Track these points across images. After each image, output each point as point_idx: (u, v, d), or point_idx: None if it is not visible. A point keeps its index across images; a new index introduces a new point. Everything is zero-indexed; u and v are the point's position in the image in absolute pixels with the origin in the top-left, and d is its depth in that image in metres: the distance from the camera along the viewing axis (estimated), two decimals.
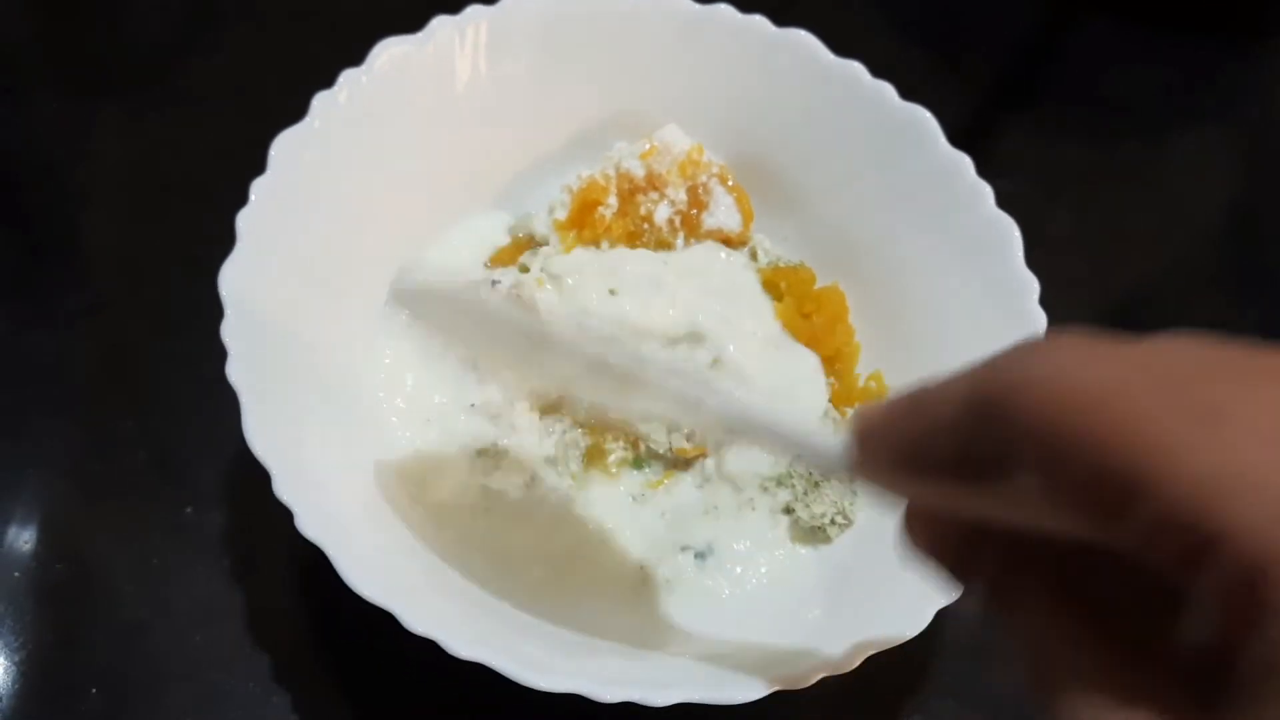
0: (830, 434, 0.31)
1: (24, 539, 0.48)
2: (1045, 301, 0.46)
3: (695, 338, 0.50)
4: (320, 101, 0.47)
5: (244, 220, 0.43)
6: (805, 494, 0.48)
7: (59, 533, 0.49)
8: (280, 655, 0.46)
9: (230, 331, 0.41)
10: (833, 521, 0.48)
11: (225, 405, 0.48)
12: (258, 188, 0.44)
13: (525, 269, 0.51)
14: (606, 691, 0.37)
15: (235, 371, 0.40)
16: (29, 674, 0.45)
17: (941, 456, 0.24)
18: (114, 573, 0.48)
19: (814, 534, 0.48)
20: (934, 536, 0.26)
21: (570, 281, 0.49)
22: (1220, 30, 0.74)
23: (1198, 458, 0.19)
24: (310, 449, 0.42)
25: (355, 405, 0.47)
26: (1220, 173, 0.69)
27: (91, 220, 0.58)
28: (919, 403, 0.24)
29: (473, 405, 0.49)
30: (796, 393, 0.51)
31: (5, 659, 0.46)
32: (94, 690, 0.45)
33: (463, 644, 0.37)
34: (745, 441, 0.35)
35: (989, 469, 0.22)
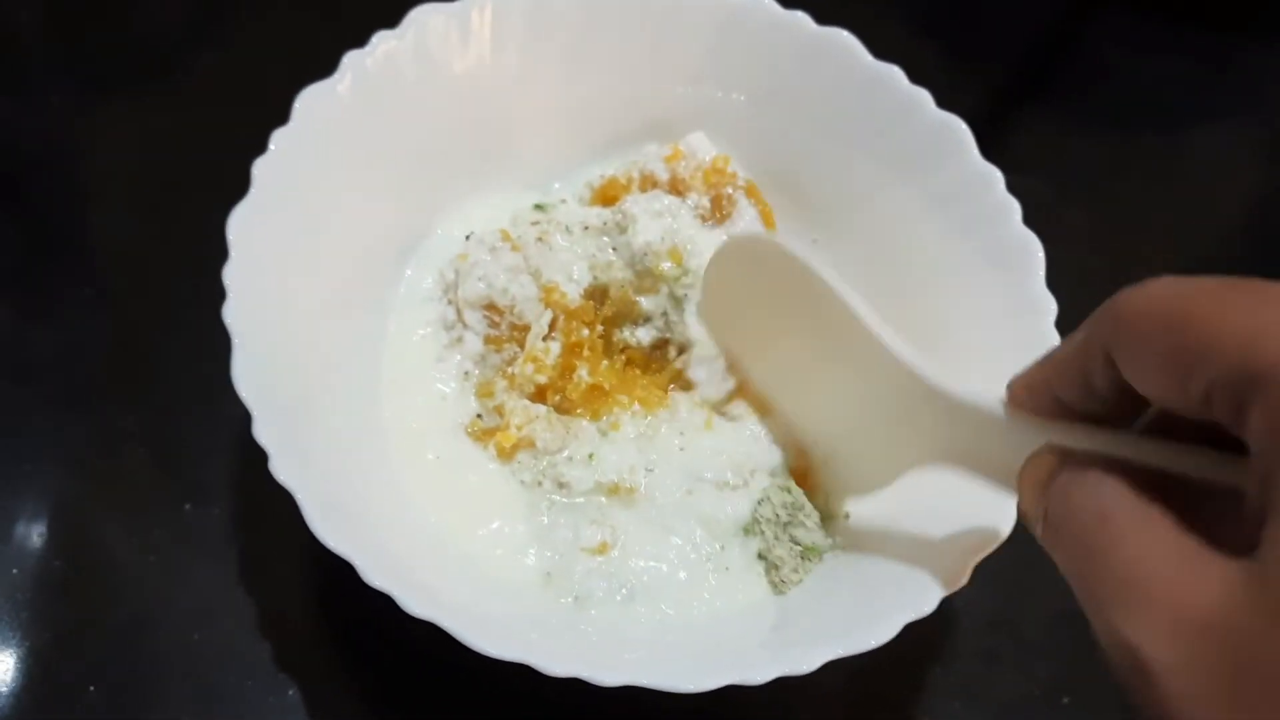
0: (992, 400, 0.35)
1: (24, 534, 0.48)
2: (1060, 295, 0.46)
3: None
4: (350, 59, 0.47)
5: (260, 168, 0.44)
6: (776, 539, 0.47)
7: (59, 528, 0.49)
8: (280, 653, 0.46)
9: (232, 274, 0.41)
10: (795, 569, 0.47)
11: (228, 401, 0.48)
12: (277, 138, 0.45)
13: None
14: (554, 665, 0.36)
15: (231, 313, 0.41)
16: (28, 671, 0.45)
17: (1073, 388, 0.30)
18: (114, 569, 0.48)
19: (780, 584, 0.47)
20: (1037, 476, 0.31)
21: None
22: (1239, 22, 0.72)
23: (1243, 322, 0.24)
24: (299, 401, 0.43)
25: (353, 364, 0.47)
26: (1240, 166, 0.67)
27: (96, 214, 0.58)
28: (1048, 353, 0.31)
29: (466, 374, 0.49)
30: None
31: (4, 655, 0.45)
32: (92, 688, 0.45)
33: (417, 603, 0.36)
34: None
35: (1110, 392, 0.29)
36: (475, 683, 0.45)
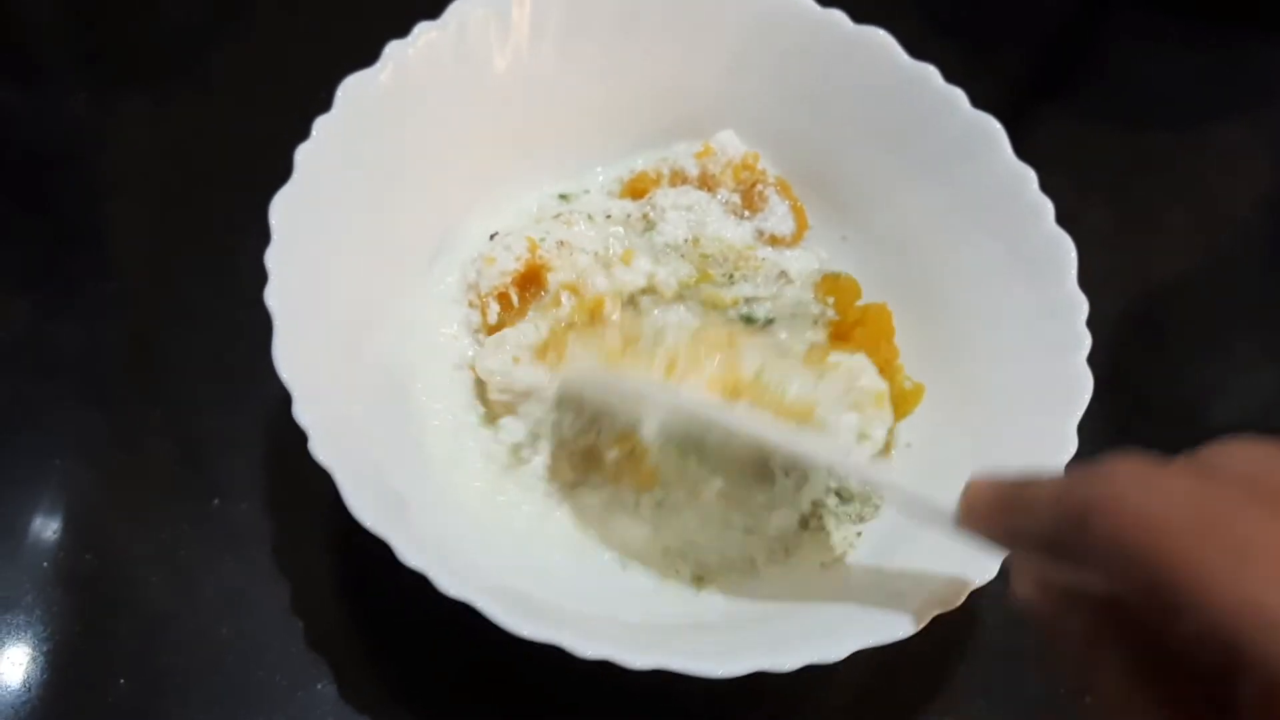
0: (942, 498, 0.35)
1: (51, 529, 0.48)
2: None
3: None
4: (392, 49, 0.48)
5: (302, 154, 0.45)
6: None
7: (86, 523, 0.49)
8: (308, 647, 0.46)
9: (274, 257, 0.42)
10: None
11: (253, 396, 0.48)
12: (320, 125, 0.45)
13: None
14: (587, 647, 0.36)
15: (273, 296, 0.41)
16: (57, 664, 0.46)
17: (1033, 544, 0.30)
18: (141, 564, 0.48)
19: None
20: (1037, 588, 0.31)
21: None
22: (1256, 19, 0.72)
23: (1227, 590, 0.23)
24: (335, 386, 0.43)
25: (391, 349, 0.48)
26: (1256, 164, 0.67)
27: (118, 210, 0.58)
28: (1016, 498, 0.30)
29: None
30: None
31: (33, 649, 0.46)
32: (121, 680, 0.45)
33: (452, 583, 0.37)
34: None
35: (1072, 562, 0.28)
36: (501, 685, 0.46)
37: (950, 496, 0.34)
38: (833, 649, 0.38)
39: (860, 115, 0.53)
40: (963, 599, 0.39)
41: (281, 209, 0.43)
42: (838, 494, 0.48)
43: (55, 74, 0.64)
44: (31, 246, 0.57)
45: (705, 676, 0.37)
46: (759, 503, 0.47)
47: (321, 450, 0.39)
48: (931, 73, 0.51)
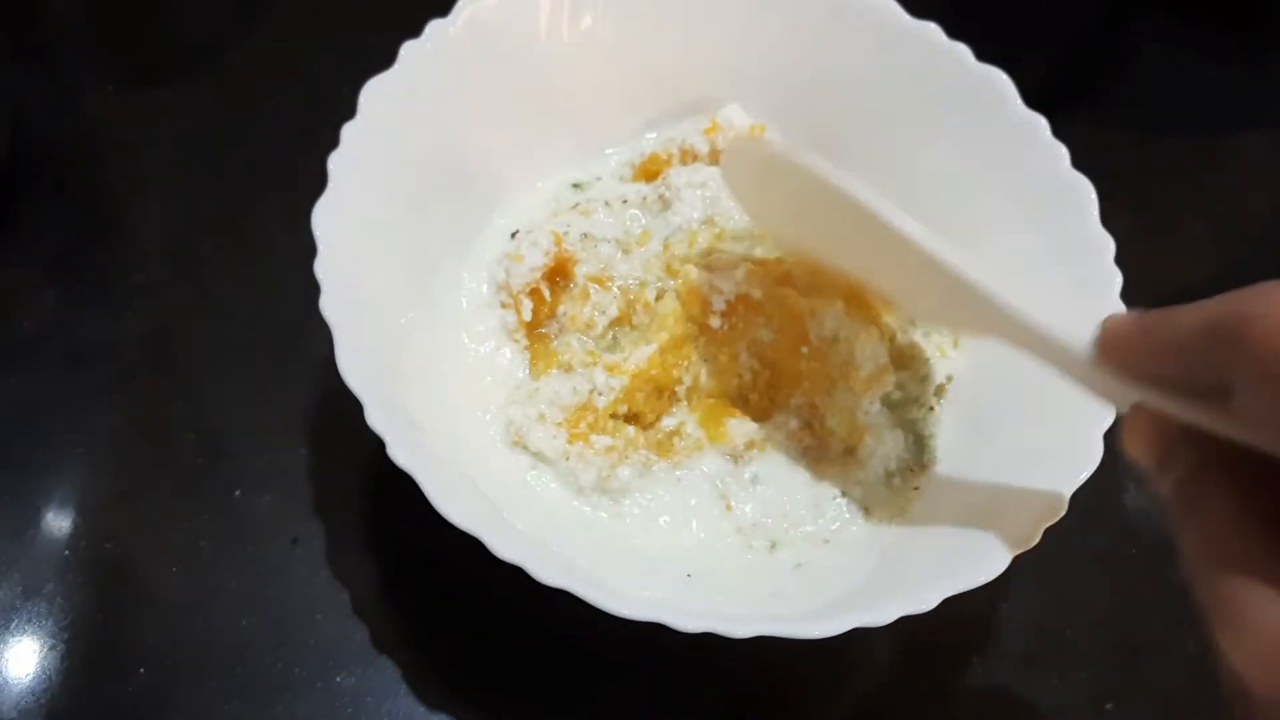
0: (1071, 330, 0.34)
1: (74, 518, 0.49)
2: None
3: None
4: (408, 50, 0.48)
5: (335, 162, 0.44)
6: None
7: (108, 513, 0.49)
8: (329, 640, 0.47)
9: (323, 268, 0.42)
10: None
11: (276, 388, 0.48)
12: (348, 131, 0.45)
13: None
14: (688, 622, 0.37)
15: (328, 306, 0.41)
16: (77, 652, 0.46)
17: (1174, 368, 0.28)
18: (163, 554, 0.48)
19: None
20: (1147, 432, 0.30)
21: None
22: (1276, 27, 0.72)
23: None
24: (393, 387, 0.43)
25: (439, 348, 0.48)
26: (1277, 172, 0.67)
27: (144, 203, 0.59)
28: (1162, 319, 0.29)
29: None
30: None
31: (54, 638, 0.46)
32: (141, 670, 0.45)
33: (548, 572, 0.37)
34: (983, 331, 0.39)
35: (1214, 385, 0.25)
36: (527, 663, 0.46)
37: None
38: (922, 600, 0.39)
39: (865, 79, 0.54)
40: (1038, 538, 0.40)
41: (323, 218, 0.43)
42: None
43: (82, 69, 0.64)
44: (57, 239, 0.57)
45: (806, 638, 0.37)
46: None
47: (400, 454, 0.39)
48: (933, 30, 0.52)
